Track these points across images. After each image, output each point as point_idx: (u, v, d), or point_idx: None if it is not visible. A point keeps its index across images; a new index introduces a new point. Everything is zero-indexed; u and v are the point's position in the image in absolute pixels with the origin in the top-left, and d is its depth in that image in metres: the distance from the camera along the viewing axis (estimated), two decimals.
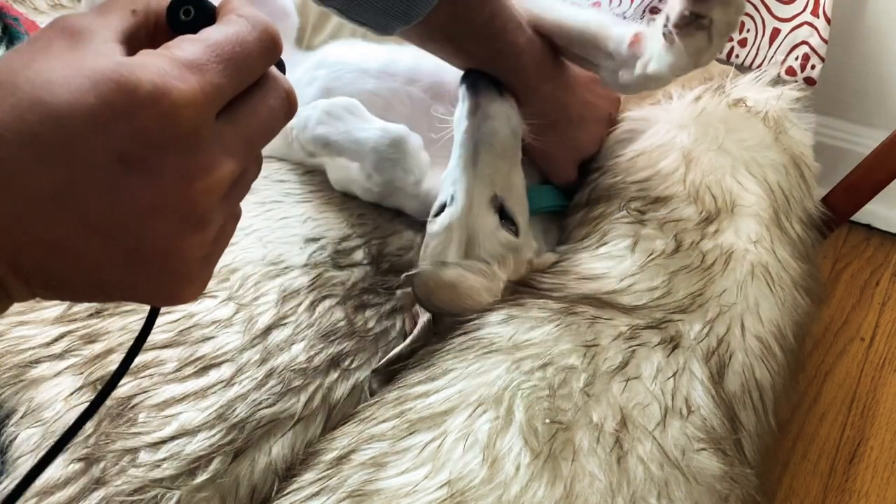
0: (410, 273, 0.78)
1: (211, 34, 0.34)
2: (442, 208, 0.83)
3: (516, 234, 0.81)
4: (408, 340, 0.78)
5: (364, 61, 1.01)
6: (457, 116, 0.82)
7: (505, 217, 0.81)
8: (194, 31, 0.35)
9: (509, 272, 0.78)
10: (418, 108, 0.95)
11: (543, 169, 0.95)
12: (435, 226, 0.82)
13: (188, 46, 0.33)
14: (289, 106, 0.38)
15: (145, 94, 0.30)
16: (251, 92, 0.36)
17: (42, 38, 0.32)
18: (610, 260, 0.78)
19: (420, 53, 0.91)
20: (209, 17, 0.36)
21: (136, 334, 0.44)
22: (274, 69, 0.38)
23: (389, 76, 0.98)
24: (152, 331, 0.74)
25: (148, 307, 0.44)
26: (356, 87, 0.98)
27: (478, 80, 0.81)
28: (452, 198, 0.81)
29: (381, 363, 0.78)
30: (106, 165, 0.31)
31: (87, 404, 0.68)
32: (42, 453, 0.65)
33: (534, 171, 0.94)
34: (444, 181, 0.84)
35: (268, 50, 0.36)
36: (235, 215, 0.41)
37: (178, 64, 0.32)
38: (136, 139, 0.31)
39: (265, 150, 1.13)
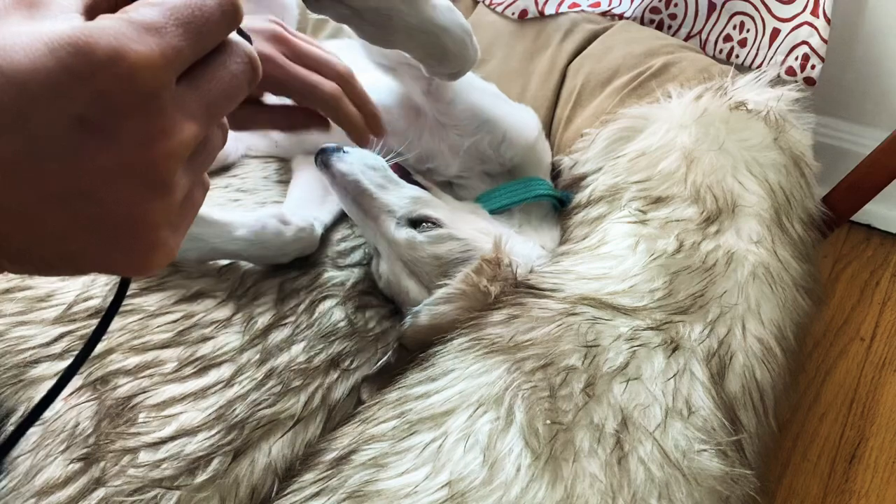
0: (399, 338, 0.79)
1: None
2: (375, 262, 0.87)
3: (440, 224, 0.84)
4: (391, 351, 0.80)
5: None
6: (329, 186, 0.87)
7: (421, 222, 0.84)
8: None
9: (478, 279, 0.77)
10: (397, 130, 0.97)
11: None
12: (381, 280, 0.87)
13: (146, 10, 0.32)
14: (252, 71, 0.38)
15: (103, 57, 0.30)
16: (212, 57, 0.36)
17: None
18: (611, 260, 0.78)
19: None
20: None
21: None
22: (236, 35, 0.37)
23: None
24: (152, 331, 0.74)
25: (118, 278, 0.44)
26: None
27: (321, 156, 0.85)
28: (376, 250, 0.86)
29: (371, 371, 0.79)
30: (65, 130, 0.30)
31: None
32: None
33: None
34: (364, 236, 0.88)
35: (227, 15, 0.35)
36: (203, 184, 0.40)
37: (136, 26, 0.31)
38: (95, 103, 0.30)
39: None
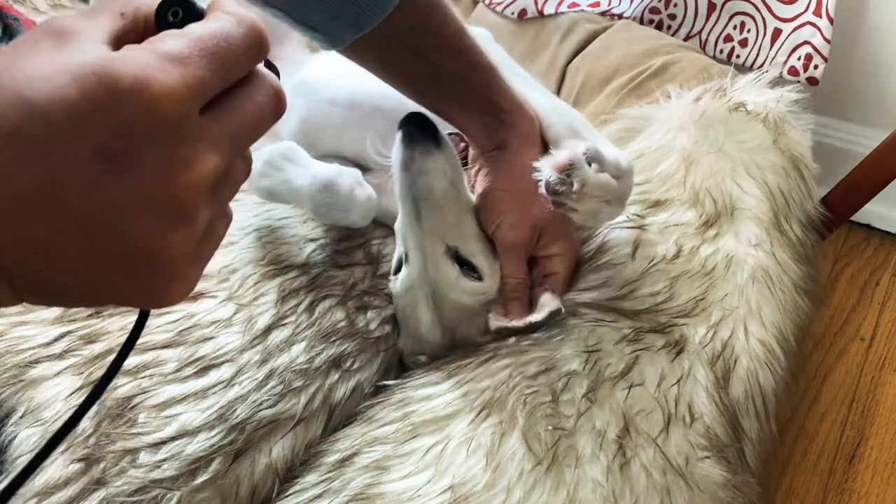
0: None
1: (195, 29, 0.34)
2: (400, 263, 0.81)
3: (480, 278, 0.79)
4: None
5: (335, 90, 0.99)
6: (394, 163, 0.78)
7: (465, 264, 0.78)
8: None
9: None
10: (388, 136, 0.88)
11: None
12: (397, 286, 0.81)
13: (171, 40, 0.33)
14: (277, 103, 0.38)
15: (126, 87, 0.30)
16: (237, 88, 0.36)
17: (29, 39, 0.32)
18: (609, 269, 0.78)
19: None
20: (197, 18, 0.36)
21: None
22: (262, 67, 0.37)
23: (356, 105, 0.96)
24: (152, 331, 0.74)
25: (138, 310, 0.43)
26: (328, 119, 0.97)
27: (413, 132, 0.76)
28: (407, 255, 0.79)
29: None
30: (87, 160, 0.30)
31: None
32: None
33: None
34: (397, 232, 0.81)
35: (254, 46, 0.35)
36: (226, 215, 0.40)
37: (160, 56, 0.32)
38: (118, 133, 0.30)
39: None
